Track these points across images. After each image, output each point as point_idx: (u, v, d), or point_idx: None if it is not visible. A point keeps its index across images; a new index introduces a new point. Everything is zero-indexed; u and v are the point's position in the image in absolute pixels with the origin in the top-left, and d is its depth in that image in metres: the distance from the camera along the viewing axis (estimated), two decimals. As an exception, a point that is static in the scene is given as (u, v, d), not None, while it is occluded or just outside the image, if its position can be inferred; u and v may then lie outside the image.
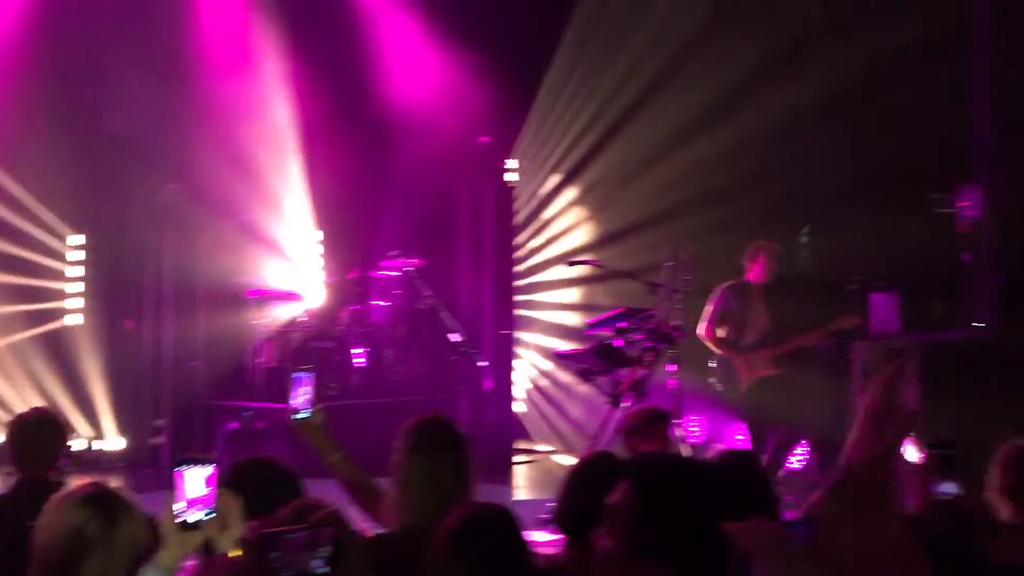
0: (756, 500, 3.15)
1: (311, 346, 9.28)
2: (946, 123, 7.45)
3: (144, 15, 9.24)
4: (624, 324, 6.61)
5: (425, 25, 9.94)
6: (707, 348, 7.34)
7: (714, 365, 7.04)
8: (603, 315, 6.92)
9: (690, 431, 8.15)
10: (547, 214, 10.91)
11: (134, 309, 9.48)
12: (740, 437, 8.82)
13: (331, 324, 9.50)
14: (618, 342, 6.62)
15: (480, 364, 6.65)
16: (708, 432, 8.98)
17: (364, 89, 10.03)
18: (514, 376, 10.35)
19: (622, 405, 6.32)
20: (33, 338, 9.25)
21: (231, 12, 9.58)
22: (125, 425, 9.31)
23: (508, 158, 10.45)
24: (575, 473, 2.73)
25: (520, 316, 10.65)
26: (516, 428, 10.24)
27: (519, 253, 10.77)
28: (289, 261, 10.14)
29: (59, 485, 2.81)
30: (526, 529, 2.42)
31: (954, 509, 2.21)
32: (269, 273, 9.96)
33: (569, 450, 9.43)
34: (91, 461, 9.01)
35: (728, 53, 8.89)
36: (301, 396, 3.35)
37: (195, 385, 9.25)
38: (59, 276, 9.50)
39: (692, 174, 9.09)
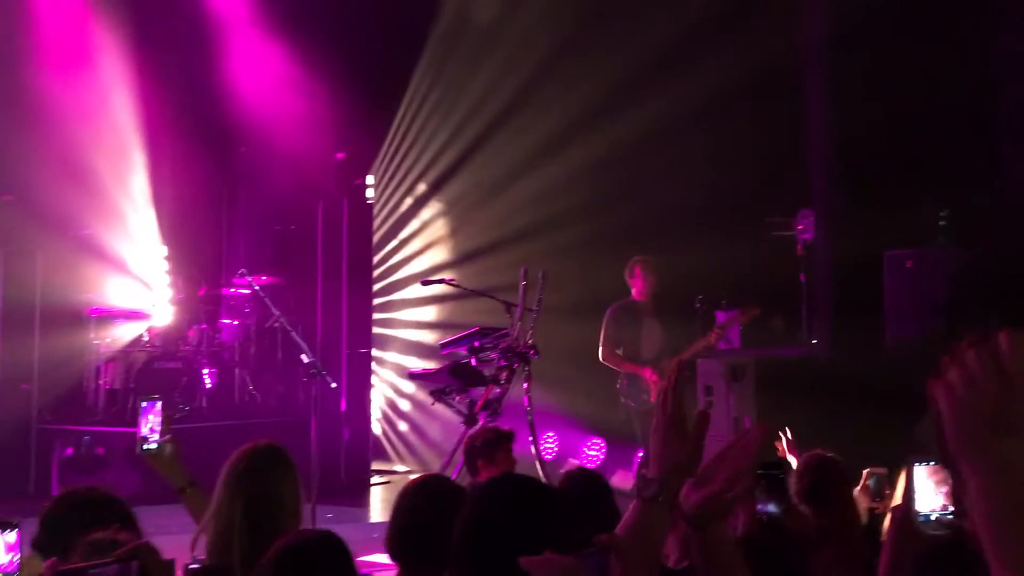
0: (601, 518, 3.20)
1: (156, 367, 8.91)
2: (787, 150, 7.84)
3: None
4: (479, 343, 6.61)
5: (280, 39, 9.74)
6: (564, 366, 7.44)
7: (619, 385, 6.99)
8: (458, 334, 6.90)
9: (544, 448, 8.22)
10: (405, 232, 10.86)
11: (-40, 328, 8.87)
12: (594, 453, 8.98)
13: (178, 344, 9.15)
14: (473, 361, 6.62)
15: (333, 385, 6.51)
16: (562, 448, 9.10)
17: (214, 102, 9.73)
18: (371, 396, 10.21)
19: (477, 424, 6.31)
20: None
21: (69, 12, 9.11)
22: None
23: (365, 175, 10.35)
24: (402, 498, 2.67)
25: (377, 335, 10.53)
26: (373, 449, 10.10)
27: (377, 271, 10.66)
28: (133, 278, 9.71)
29: None
30: (376, 552, 2.36)
31: (776, 526, 2.29)
32: (112, 290, 9.50)
33: (426, 469, 9.36)
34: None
35: (580, 79, 9.11)
36: (149, 425, 3.19)
37: (27, 408, 8.72)
38: None
39: (545, 196, 9.25)
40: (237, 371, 9.53)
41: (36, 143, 8.81)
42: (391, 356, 10.79)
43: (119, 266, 9.59)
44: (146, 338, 9.16)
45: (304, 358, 6.20)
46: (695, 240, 7.87)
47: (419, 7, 10.12)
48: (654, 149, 8.74)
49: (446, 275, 9.50)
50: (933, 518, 1.62)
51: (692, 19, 8.28)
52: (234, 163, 10.32)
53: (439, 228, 10.74)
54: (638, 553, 1.59)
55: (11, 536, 1.90)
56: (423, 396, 9.47)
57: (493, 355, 6.60)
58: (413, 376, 7.58)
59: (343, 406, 9.43)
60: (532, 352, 6.57)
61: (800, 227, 7.01)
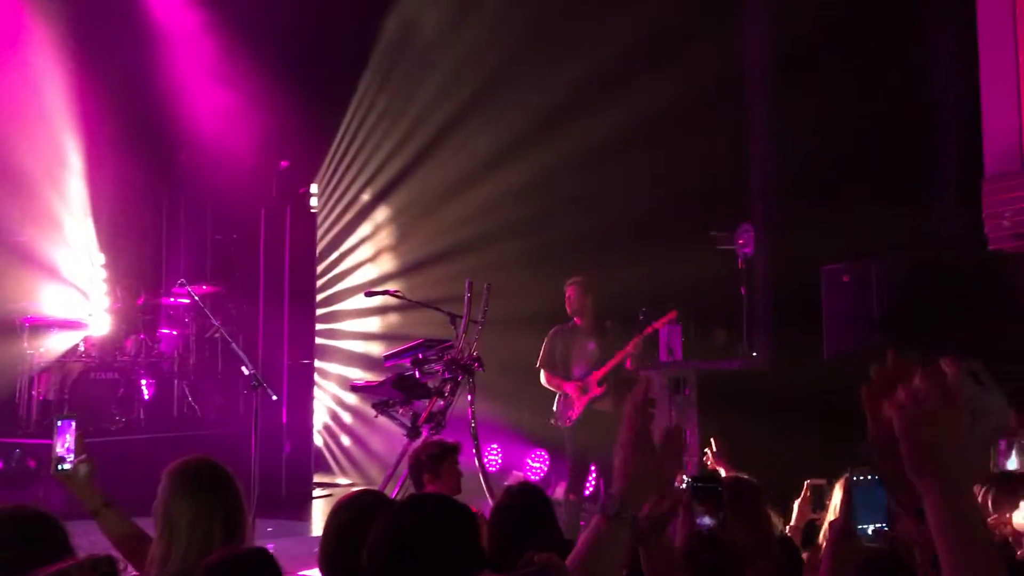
0: (541, 530, 3.21)
1: (93, 377, 8.72)
2: (730, 165, 7.96)
3: None
4: (423, 355, 6.58)
5: (223, 44, 9.62)
6: (509, 378, 7.43)
7: (555, 408, 7.02)
8: (402, 346, 6.86)
9: (488, 460, 8.21)
10: (349, 242, 10.78)
11: None
12: (537, 465, 8.99)
13: (115, 354, 8.96)
14: (417, 373, 6.58)
15: (274, 397, 6.43)
16: (506, 460, 9.10)
17: (154, 107, 9.57)
18: (313, 408, 10.11)
19: (420, 436, 6.28)
20: None
21: (2, 13, 8.89)
22: None
23: (309, 183, 10.26)
24: (334, 514, 2.65)
25: (320, 346, 10.43)
26: (315, 461, 9.99)
27: (320, 281, 10.57)
28: (69, 286, 9.49)
29: None
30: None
31: (713, 540, 2.32)
32: (47, 299, 9.28)
33: (370, 483, 9.29)
34: None
35: (525, 94, 9.16)
36: (65, 445, 3.10)
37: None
38: None
39: (491, 208, 9.27)
40: (176, 382, 9.38)
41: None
42: (334, 368, 10.69)
43: (54, 274, 9.38)
44: (82, 348, 8.97)
45: (244, 370, 6.12)
46: (639, 254, 7.94)
47: (365, 17, 10.08)
48: (599, 163, 8.81)
49: (391, 286, 9.45)
50: (870, 531, 1.65)
51: (636, 37, 8.38)
52: (174, 170, 10.17)
53: (384, 239, 10.69)
54: (593, 569, 1.59)
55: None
56: (366, 408, 9.41)
57: (437, 367, 6.58)
58: (356, 388, 7.52)
59: (284, 418, 9.32)
60: (476, 364, 6.57)
61: (741, 241, 7.11)
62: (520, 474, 8.73)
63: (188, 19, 9.77)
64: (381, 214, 10.66)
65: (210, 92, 9.68)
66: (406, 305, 8.35)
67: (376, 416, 6.80)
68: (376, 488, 5.04)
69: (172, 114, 9.61)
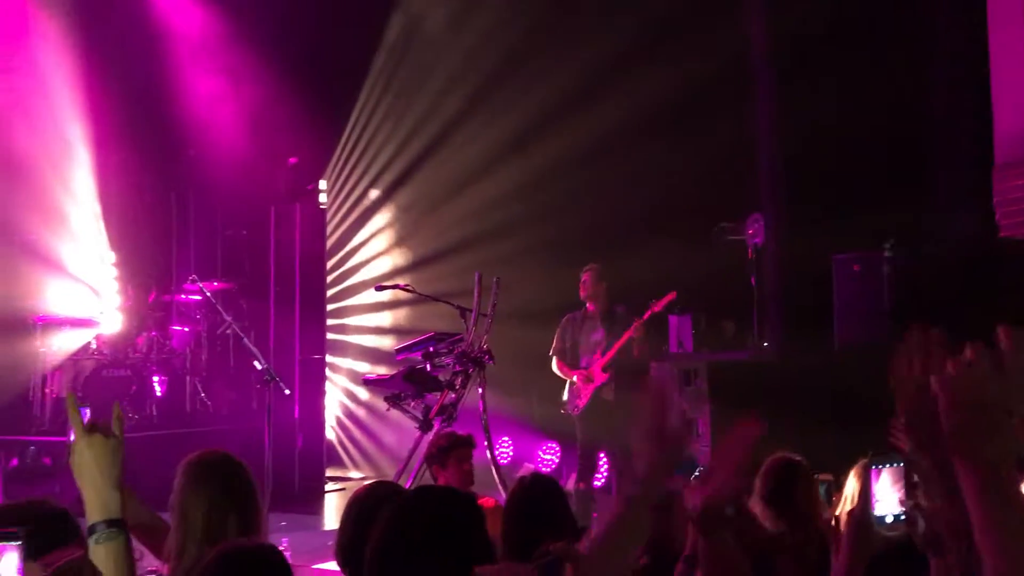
0: (555, 520, 3.22)
1: (105, 375, 8.75)
2: (738, 155, 7.94)
3: None
4: (433, 348, 6.59)
5: (230, 42, 9.63)
6: (519, 371, 7.43)
7: (565, 396, 7.04)
8: (413, 340, 6.88)
9: (500, 453, 8.22)
10: (359, 237, 10.80)
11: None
12: (549, 457, 9.00)
13: (127, 351, 9.00)
14: (428, 366, 6.60)
15: (286, 392, 6.45)
16: (518, 453, 9.11)
17: (163, 106, 9.59)
18: (325, 402, 10.13)
19: (432, 429, 6.29)
20: None
21: (11, 14, 8.91)
22: None
23: (318, 179, 10.27)
24: (350, 506, 2.66)
25: (331, 341, 10.46)
26: (328, 455, 10.02)
27: (330, 276, 10.59)
28: (81, 284, 9.53)
29: None
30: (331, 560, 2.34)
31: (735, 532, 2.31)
32: (59, 297, 9.31)
33: (382, 476, 9.31)
34: None
35: (532, 86, 9.15)
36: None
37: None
38: None
39: (499, 201, 9.26)
40: (188, 379, 9.41)
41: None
42: (345, 362, 10.71)
43: (65, 272, 9.41)
44: (94, 346, 9.00)
45: (257, 364, 6.14)
46: (648, 245, 7.93)
47: (370, 14, 10.08)
48: (607, 155, 8.80)
49: (400, 280, 9.45)
50: (888, 519, 1.65)
51: (641, 28, 8.36)
52: (184, 168, 10.19)
53: (393, 233, 10.70)
54: (611, 554, 1.59)
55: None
56: (378, 402, 9.44)
57: (448, 360, 6.59)
58: (368, 382, 7.53)
59: (296, 413, 9.35)
60: (487, 357, 6.58)
61: (751, 231, 7.09)
62: (531, 466, 8.74)
63: (196, 16, 9.78)
64: (390, 209, 10.67)
65: (218, 89, 9.70)
66: (416, 299, 8.35)
67: (388, 409, 6.82)
68: (391, 480, 5.06)
69: (180, 111, 9.62)
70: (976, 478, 1.11)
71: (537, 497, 3.31)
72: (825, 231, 7.00)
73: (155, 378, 9.01)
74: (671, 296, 6.88)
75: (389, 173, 10.41)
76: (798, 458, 3.47)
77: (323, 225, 10.35)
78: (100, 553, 1.82)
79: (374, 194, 10.67)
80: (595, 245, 8.25)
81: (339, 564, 2.59)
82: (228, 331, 8.74)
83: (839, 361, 6.07)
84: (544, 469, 8.68)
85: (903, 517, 1.62)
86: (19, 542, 1.81)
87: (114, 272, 9.75)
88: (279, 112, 9.56)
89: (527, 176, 9.10)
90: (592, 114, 8.72)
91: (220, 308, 7.32)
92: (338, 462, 10.38)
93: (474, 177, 9.46)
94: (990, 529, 1.10)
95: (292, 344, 9.73)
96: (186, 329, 9.49)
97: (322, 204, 10.32)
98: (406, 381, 6.57)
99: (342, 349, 10.73)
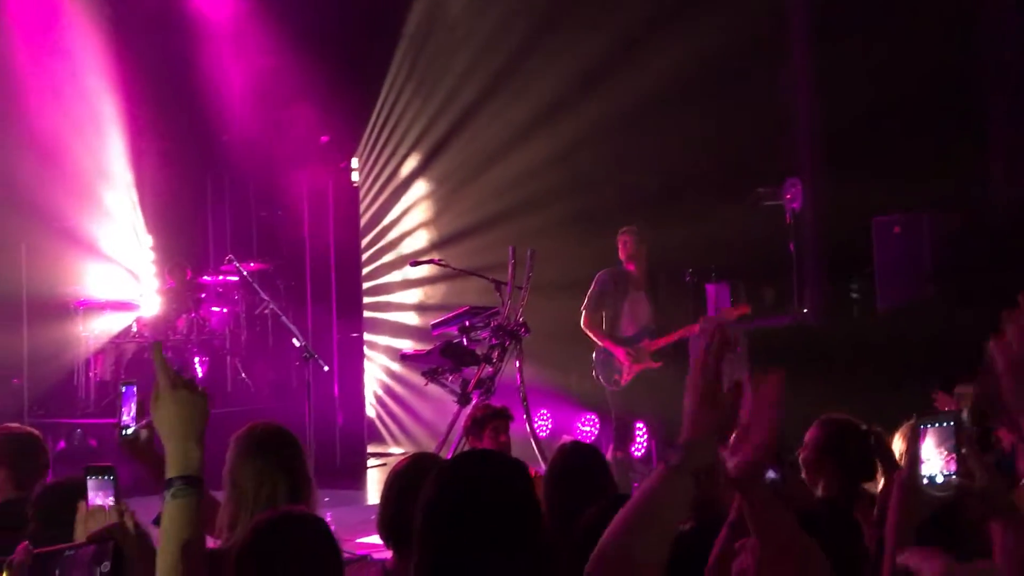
0: (597, 489, 3.20)
1: (146, 357, 8.86)
2: (776, 120, 7.82)
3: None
4: (469, 322, 6.59)
5: (260, 24, 9.64)
6: (555, 343, 7.39)
7: (594, 356, 6.92)
8: (448, 314, 6.87)
9: (539, 426, 8.22)
10: (392, 214, 10.80)
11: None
12: (587, 429, 8.99)
13: (167, 333, 9.10)
14: (464, 340, 6.59)
15: (325, 369, 6.49)
16: (556, 425, 9.11)
17: (196, 89, 9.64)
18: (364, 379, 10.20)
19: (470, 403, 6.30)
20: None
21: (45, 2, 8.98)
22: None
23: (350, 158, 10.28)
24: (391, 480, 2.66)
25: (368, 318, 10.50)
26: (368, 431, 10.10)
27: (365, 254, 10.62)
28: (120, 268, 9.64)
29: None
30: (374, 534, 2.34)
31: (776, 494, 2.28)
32: (99, 282, 9.44)
33: (422, 450, 9.36)
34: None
35: (562, 55, 9.05)
36: (129, 413, 3.15)
37: (18, 403, 8.67)
38: None
39: (532, 173, 9.21)
40: (228, 359, 9.50)
41: (16, 136, 8.71)
42: (382, 339, 10.76)
43: (105, 257, 9.53)
44: (135, 329, 9.12)
45: (295, 342, 6.17)
46: (685, 213, 7.85)
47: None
48: (641, 123, 8.69)
49: (434, 256, 9.45)
50: (938, 480, 1.61)
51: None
52: (218, 150, 10.24)
53: (426, 209, 10.69)
54: (654, 518, 1.57)
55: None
56: (415, 378, 9.47)
57: (484, 334, 6.58)
58: (405, 358, 7.55)
59: (336, 391, 9.42)
60: (523, 330, 6.56)
61: (788, 196, 6.99)
62: (570, 438, 8.74)
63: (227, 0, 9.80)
64: (422, 184, 10.65)
65: (251, 72, 9.72)
66: (451, 274, 8.35)
67: (426, 384, 6.83)
68: (431, 452, 5.07)
69: (213, 96, 9.66)
70: None
71: (577, 465, 3.30)
72: (863, 194, 6.89)
73: (196, 359, 9.11)
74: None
75: (421, 149, 10.38)
76: (846, 417, 3.44)
77: (356, 203, 10.36)
78: (174, 509, 1.82)
79: (406, 170, 10.63)
80: (629, 215, 8.17)
81: (382, 537, 2.60)
82: (266, 311, 8.80)
83: (881, 323, 5.98)
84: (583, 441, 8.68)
85: (954, 477, 1.58)
86: (113, 477, 1.87)
87: (152, 256, 9.85)
88: (309, 91, 9.56)
89: (559, 146, 9.03)
90: (625, 81, 8.62)
91: (258, 288, 7.37)
92: (379, 439, 10.46)
93: (506, 149, 9.41)
94: None
95: (329, 323, 9.79)
96: (224, 310, 9.57)
97: (355, 182, 10.33)
98: (443, 355, 6.57)
99: (379, 326, 10.77)
